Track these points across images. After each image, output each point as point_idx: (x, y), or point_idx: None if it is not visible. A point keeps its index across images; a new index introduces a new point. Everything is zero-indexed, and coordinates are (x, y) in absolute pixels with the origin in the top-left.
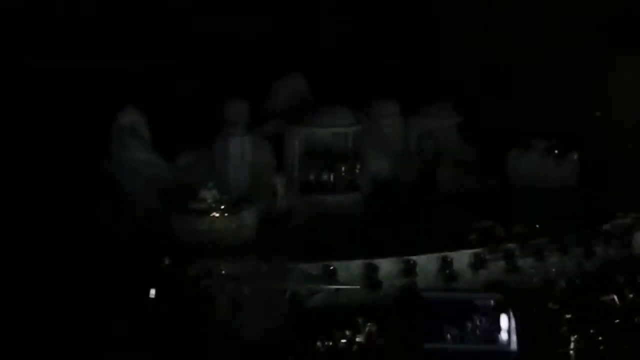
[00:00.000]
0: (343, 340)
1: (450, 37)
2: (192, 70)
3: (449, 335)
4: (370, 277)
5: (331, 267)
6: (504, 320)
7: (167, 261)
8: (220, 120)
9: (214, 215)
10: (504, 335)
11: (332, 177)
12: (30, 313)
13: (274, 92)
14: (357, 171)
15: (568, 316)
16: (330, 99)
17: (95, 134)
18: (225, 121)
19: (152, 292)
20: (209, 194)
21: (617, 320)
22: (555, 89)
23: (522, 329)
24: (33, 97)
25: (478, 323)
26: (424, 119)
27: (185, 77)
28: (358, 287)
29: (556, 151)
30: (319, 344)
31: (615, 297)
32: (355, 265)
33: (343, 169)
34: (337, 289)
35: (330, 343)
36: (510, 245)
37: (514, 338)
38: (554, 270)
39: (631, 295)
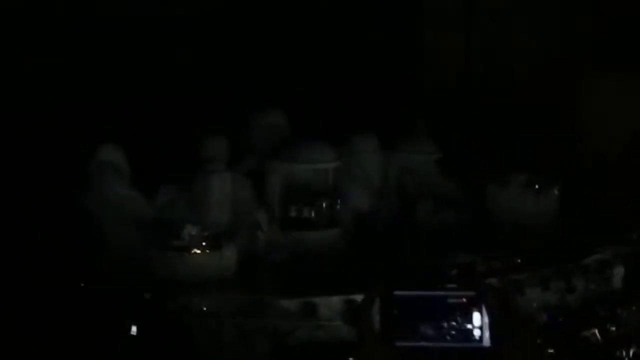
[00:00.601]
0: None
1: (428, 68)
2: (170, 106)
3: (422, 333)
4: (351, 312)
5: (312, 303)
6: (476, 317)
7: (146, 297)
8: (199, 156)
9: (194, 252)
10: (477, 332)
11: (312, 212)
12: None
13: (253, 127)
14: (338, 207)
15: (550, 351)
16: (309, 134)
17: (71, 168)
18: (205, 157)
19: (133, 328)
20: (189, 230)
21: (599, 355)
22: (535, 118)
23: (496, 325)
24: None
25: (451, 320)
26: (402, 152)
27: (163, 112)
28: (339, 323)
29: (536, 185)
30: None
31: (597, 332)
32: (336, 301)
33: (323, 204)
34: (318, 325)
35: None
36: (490, 280)
37: (487, 334)
38: (534, 304)
39: (613, 329)
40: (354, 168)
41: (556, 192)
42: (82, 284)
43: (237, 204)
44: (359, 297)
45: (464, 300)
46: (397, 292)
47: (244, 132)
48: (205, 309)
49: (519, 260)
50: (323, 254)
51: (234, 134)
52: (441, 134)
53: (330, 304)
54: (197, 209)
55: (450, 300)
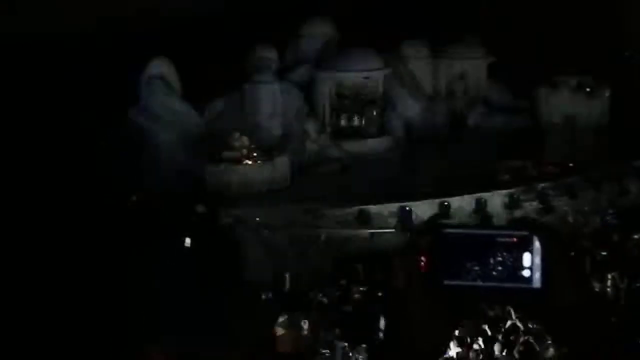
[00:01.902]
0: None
1: None
2: (220, 18)
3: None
4: (405, 220)
5: (365, 212)
6: (526, 257)
7: (200, 209)
8: (250, 67)
9: (246, 163)
10: (526, 273)
11: (363, 121)
12: (65, 254)
13: (302, 37)
14: (388, 115)
15: (603, 253)
16: (359, 43)
17: (125, 84)
18: (255, 69)
19: (187, 240)
20: (240, 142)
21: None
22: (585, 25)
23: (548, 267)
24: (62, 43)
25: (500, 260)
26: (453, 60)
27: (213, 25)
28: (392, 230)
29: (587, 88)
30: (353, 289)
31: None
32: (390, 209)
33: (374, 112)
34: (372, 234)
35: (365, 288)
36: (544, 184)
37: (537, 275)
38: (587, 208)
39: None
40: (404, 75)
41: (607, 93)
42: (135, 198)
43: (288, 115)
44: (412, 205)
45: (515, 239)
46: (446, 230)
47: (294, 43)
48: (258, 219)
49: (571, 164)
50: (374, 162)
51: (285, 44)
52: (492, 39)
53: (384, 212)
54: (249, 120)
55: (500, 239)
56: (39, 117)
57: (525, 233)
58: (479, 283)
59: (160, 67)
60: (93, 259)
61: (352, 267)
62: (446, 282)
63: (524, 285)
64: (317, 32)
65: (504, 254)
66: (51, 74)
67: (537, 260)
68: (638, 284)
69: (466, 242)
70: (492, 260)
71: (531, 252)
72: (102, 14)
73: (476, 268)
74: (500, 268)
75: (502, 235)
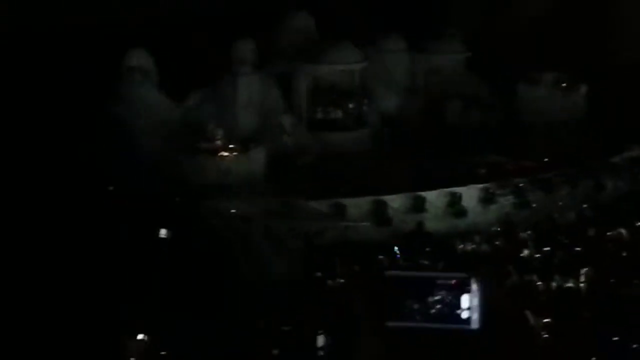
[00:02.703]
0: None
1: None
2: (198, 10)
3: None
4: (380, 213)
5: (341, 205)
6: (465, 298)
7: (176, 201)
8: (228, 59)
9: (222, 155)
10: (465, 314)
11: (339, 114)
12: (42, 246)
13: (280, 30)
14: (365, 108)
15: (577, 249)
16: (336, 36)
17: (103, 75)
18: (233, 60)
19: (163, 232)
20: (217, 134)
21: (625, 254)
22: (563, 20)
23: (486, 307)
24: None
25: (440, 301)
26: (431, 54)
27: (191, 16)
28: (368, 223)
29: (564, 84)
30: (329, 281)
31: (624, 231)
32: (365, 202)
33: (350, 105)
34: (347, 226)
35: (341, 280)
36: (519, 179)
37: (475, 316)
38: (561, 203)
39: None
40: (382, 69)
41: (584, 90)
42: (112, 188)
43: (265, 107)
44: (387, 198)
45: (453, 281)
46: (388, 272)
47: (272, 35)
48: (234, 211)
49: (547, 160)
50: (351, 155)
51: (263, 37)
52: (470, 34)
53: (359, 205)
54: (226, 112)
55: (440, 282)
56: (16, 111)
57: (464, 275)
58: (420, 324)
59: (138, 58)
60: (71, 251)
61: (328, 259)
62: (389, 323)
63: (462, 327)
64: (296, 25)
65: (444, 295)
66: (25, 68)
67: (475, 301)
68: (612, 280)
69: (408, 284)
70: (432, 302)
71: (470, 293)
72: (83, 9)
73: (417, 309)
74: (440, 308)
75: (442, 277)
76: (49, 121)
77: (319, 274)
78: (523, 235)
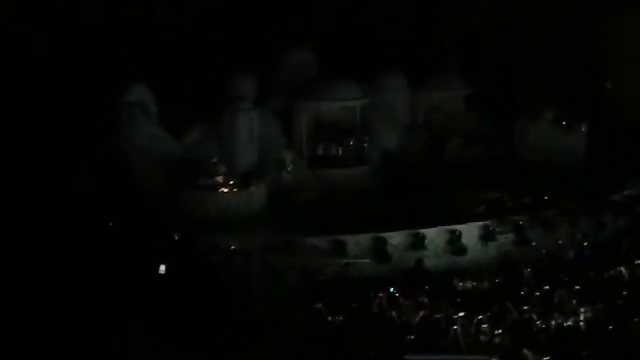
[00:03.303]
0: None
1: (454, 6)
2: (198, 46)
3: None
4: (380, 250)
5: (341, 241)
6: None
7: (176, 237)
8: (228, 95)
9: (223, 191)
10: None
11: (340, 151)
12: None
13: (282, 66)
14: (366, 145)
15: (577, 287)
16: (337, 73)
17: (104, 111)
18: (234, 96)
19: (162, 267)
20: (217, 170)
21: (626, 292)
22: (564, 58)
23: None
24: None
25: None
26: (431, 91)
27: (192, 53)
28: (368, 260)
29: (564, 122)
30: (329, 318)
31: (624, 270)
32: (365, 239)
33: (351, 142)
34: (347, 263)
35: (341, 317)
36: (519, 216)
37: None
38: (560, 241)
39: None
40: (382, 106)
41: (584, 128)
42: (111, 224)
43: (266, 143)
44: (388, 235)
45: None
46: (408, 357)
47: (273, 71)
48: (234, 247)
49: (548, 197)
50: (351, 192)
51: (263, 73)
52: (471, 71)
53: (360, 242)
54: (226, 148)
55: None
56: (16, 142)
57: (485, 358)
58: None
59: (139, 93)
60: (68, 286)
61: (328, 293)
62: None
63: None
64: (297, 61)
65: None
66: (24, 97)
67: None
68: (612, 319)
69: None
70: None
71: None
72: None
73: None
74: None
75: None
76: (49, 154)
77: (319, 305)
78: (523, 273)
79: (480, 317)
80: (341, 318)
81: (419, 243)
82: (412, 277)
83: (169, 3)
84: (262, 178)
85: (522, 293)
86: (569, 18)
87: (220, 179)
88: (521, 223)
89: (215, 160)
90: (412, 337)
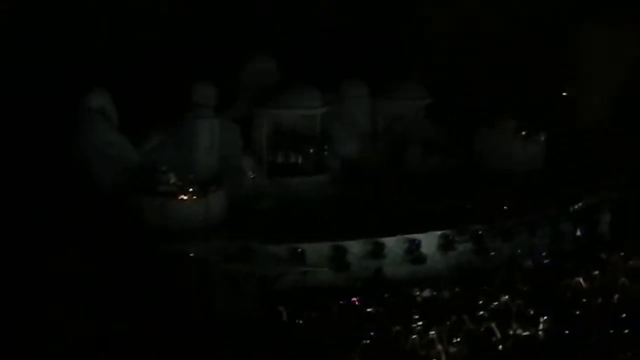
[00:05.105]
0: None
1: (417, 16)
2: (159, 53)
3: None
4: (339, 259)
5: (299, 249)
6: None
7: (133, 244)
8: (188, 102)
9: (182, 198)
10: None
11: (300, 158)
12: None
13: (242, 71)
14: (326, 153)
15: (535, 297)
16: (298, 81)
17: (63, 116)
18: (193, 104)
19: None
20: (176, 177)
21: (584, 300)
22: (522, 67)
23: None
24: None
25: None
26: (392, 100)
27: (152, 59)
28: (326, 269)
29: (524, 131)
30: (288, 325)
31: (581, 279)
32: (324, 247)
33: (311, 150)
34: (305, 271)
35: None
36: (478, 226)
37: None
38: (519, 250)
39: (596, 272)
40: (343, 114)
41: (543, 138)
42: (73, 228)
43: (225, 150)
44: (347, 244)
45: None
46: None
47: (233, 79)
48: (192, 255)
49: (506, 207)
50: (311, 200)
51: (223, 80)
52: (431, 81)
53: (319, 250)
54: (186, 154)
55: None
56: None
57: None
58: None
59: (99, 98)
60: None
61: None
62: None
63: None
64: (257, 69)
65: None
66: None
67: None
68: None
69: None
70: None
71: None
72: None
73: None
74: None
75: None
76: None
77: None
78: (481, 282)
79: (439, 325)
80: (300, 324)
81: (378, 251)
82: (371, 285)
83: (131, 11)
84: (220, 185)
85: (480, 302)
86: (529, 28)
87: (179, 186)
88: (480, 232)
89: (164, 168)
90: (370, 346)
